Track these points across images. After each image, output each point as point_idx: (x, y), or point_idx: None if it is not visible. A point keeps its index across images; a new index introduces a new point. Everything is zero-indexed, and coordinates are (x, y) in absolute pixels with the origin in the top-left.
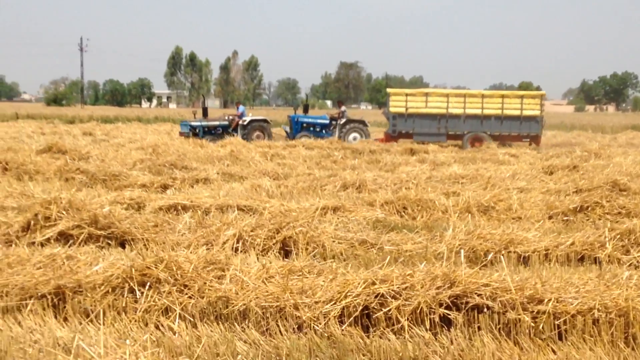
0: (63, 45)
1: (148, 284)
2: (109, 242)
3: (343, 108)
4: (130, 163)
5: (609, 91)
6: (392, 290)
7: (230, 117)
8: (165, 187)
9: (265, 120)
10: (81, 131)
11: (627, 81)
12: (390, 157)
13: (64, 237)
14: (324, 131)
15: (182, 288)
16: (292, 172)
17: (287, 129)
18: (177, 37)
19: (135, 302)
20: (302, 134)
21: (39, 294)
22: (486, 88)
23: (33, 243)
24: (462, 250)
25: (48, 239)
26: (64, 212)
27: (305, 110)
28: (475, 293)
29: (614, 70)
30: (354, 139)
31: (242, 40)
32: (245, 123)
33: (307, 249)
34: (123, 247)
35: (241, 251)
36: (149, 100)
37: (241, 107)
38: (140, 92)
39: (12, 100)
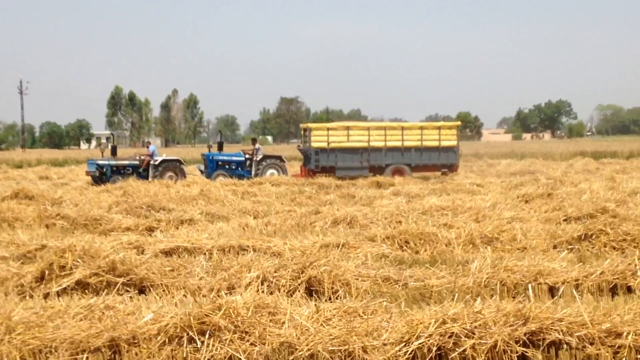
0: None
1: (208, 332)
2: (128, 289)
3: (257, 145)
4: (106, 206)
5: (544, 119)
6: (465, 328)
7: (141, 157)
8: (151, 230)
9: (178, 161)
10: (36, 175)
11: (561, 109)
12: (361, 191)
13: (81, 286)
14: (239, 169)
15: (243, 335)
16: (270, 210)
17: (202, 167)
18: (115, 76)
19: (197, 351)
20: (218, 172)
21: (92, 347)
22: (422, 119)
23: (48, 294)
24: (529, 285)
25: (65, 289)
26: (79, 260)
27: (220, 147)
28: (552, 328)
29: (548, 99)
30: (271, 175)
31: (182, 78)
32: (156, 163)
33: (332, 287)
34: (142, 293)
35: (267, 293)
36: (88, 141)
37: (152, 147)
38: (79, 133)
39: None
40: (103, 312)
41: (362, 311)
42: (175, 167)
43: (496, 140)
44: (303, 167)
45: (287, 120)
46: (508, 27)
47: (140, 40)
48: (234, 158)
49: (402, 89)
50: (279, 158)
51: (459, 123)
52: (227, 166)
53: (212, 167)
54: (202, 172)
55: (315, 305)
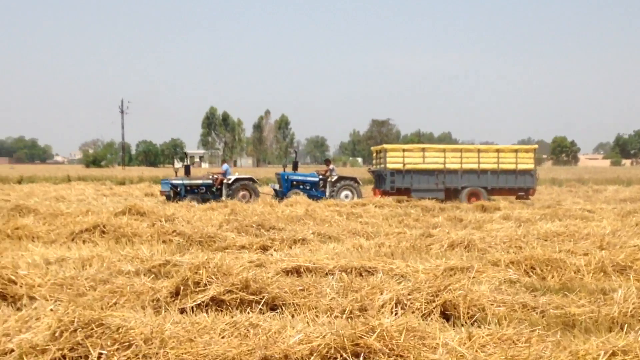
0: (95, 108)
1: (362, 354)
2: (260, 307)
3: (332, 166)
4: (217, 224)
5: None
6: None
7: (214, 176)
8: (264, 248)
9: (251, 179)
10: (141, 192)
11: None
12: (468, 214)
13: (216, 303)
14: (313, 189)
15: (398, 358)
16: (379, 231)
17: (277, 187)
18: (209, 98)
19: None
20: (293, 191)
21: None
22: (514, 143)
23: (184, 309)
24: None
25: (199, 305)
26: (212, 277)
27: (295, 167)
28: None
29: None
30: (346, 197)
31: (274, 99)
32: (230, 182)
33: (468, 312)
34: (273, 311)
35: (401, 315)
36: (182, 160)
37: (225, 165)
38: (173, 152)
39: (46, 162)
40: (248, 330)
41: (516, 338)
42: (248, 186)
43: (594, 165)
44: (376, 189)
45: (377, 142)
46: (604, 50)
47: (235, 62)
48: (309, 178)
49: (494, 113)
50: (354, 180)
51: (536, 146)
52: (301, 186)
53: (286, 186)
54: (275, 191)
55: (467, 331)
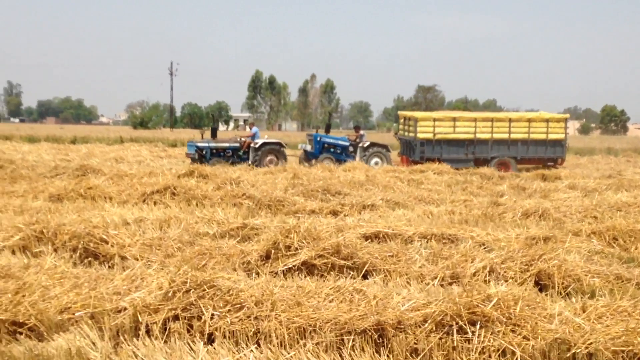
0: (141, 69)
1: (478, 322)
2: (351, 272)
3: (362, 132)
4: (282, 188)
5: None
6: None
7: (242, 139)
8: (334, 213)
9: (279, 144)
10: None
11: None
12: (530, 183)
13: (307, 267)
14: (343, 153)
15: (515, 328)
16: (444, 198)
17: (307, 147)
18: (257, 61)
19: (467, 341)
20: (325, 155)
21: (358, 329)
22: (559, 112)
23: (276, 273)
24: None
25: (290, 269)
26: (303, 241)
27: (327, 130)
28: None
29: None
30: (376, 163)
31: (320, 63)
32: (257, 146)
33: (562, 282)
34: (365, 278)
35: (495, 284)
36: (226, 123)
37: (254, 128)
38: (218, 115)
39: (91, 123)
40: (352, 295)
41: (632, 310)
42: (276, 151)
43: None
44: (403, 157)
45: (422, 109)
46: None
47: (281, 26)
48: (340, 142)
49: (541, 80)
50: (385, 147)
51: (567, 116)
52: (332, 149)
53: (318, 148)
54: (306, 152)
55: (582, 302)
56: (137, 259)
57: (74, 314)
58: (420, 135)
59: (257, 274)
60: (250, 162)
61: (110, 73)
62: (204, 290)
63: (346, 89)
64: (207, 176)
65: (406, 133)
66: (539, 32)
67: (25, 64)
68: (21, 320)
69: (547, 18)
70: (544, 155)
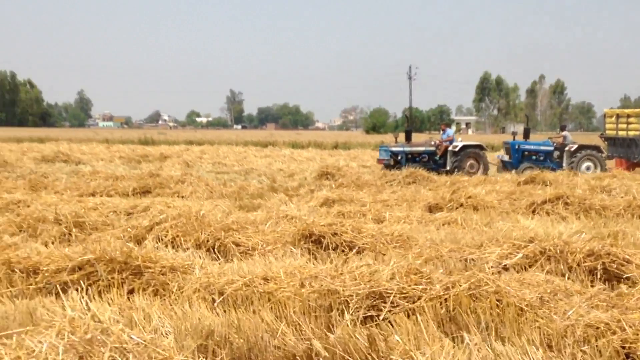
0: (352, 76)
1: None
2: None
3: (565, 133)
4: None
5: None
6: None
7: (437, 142)
8: None
9: (480, 147)
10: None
11: None
12: None
13: None
14: (548, 160)
15: None
16: None
17: (505, 157)
18: (484, 63)
19: None
20: (526, 164)
21: None
22: None
23: None
24: None
25: None
26: None
27: (526, 135)
28: None
29: None
30: (587, 168)
31: (549, 63)
32: (456, 149)
33: None
34: None
35: None
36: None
37: (449, 131)
38: (439, 119)
39: (308, 128)
40: None
41: None
42: (477, 155)
43: None
44: (621, 160)
45: None
46: None
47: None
48: (542, 147)
49: None
50: (597, 149)
51: None
52: (534, 157)
53: (517, 157)
54: (503, 162)
55: None
56: None
57: None
58: (633, 133)
59: None
60: (448, 168)
61: (325, 80)
62: None
63: (570, 89)
64: (549, 183)
65: (622, 132)
66: None
67: (245, 72)
68: None
69: None
70: None
